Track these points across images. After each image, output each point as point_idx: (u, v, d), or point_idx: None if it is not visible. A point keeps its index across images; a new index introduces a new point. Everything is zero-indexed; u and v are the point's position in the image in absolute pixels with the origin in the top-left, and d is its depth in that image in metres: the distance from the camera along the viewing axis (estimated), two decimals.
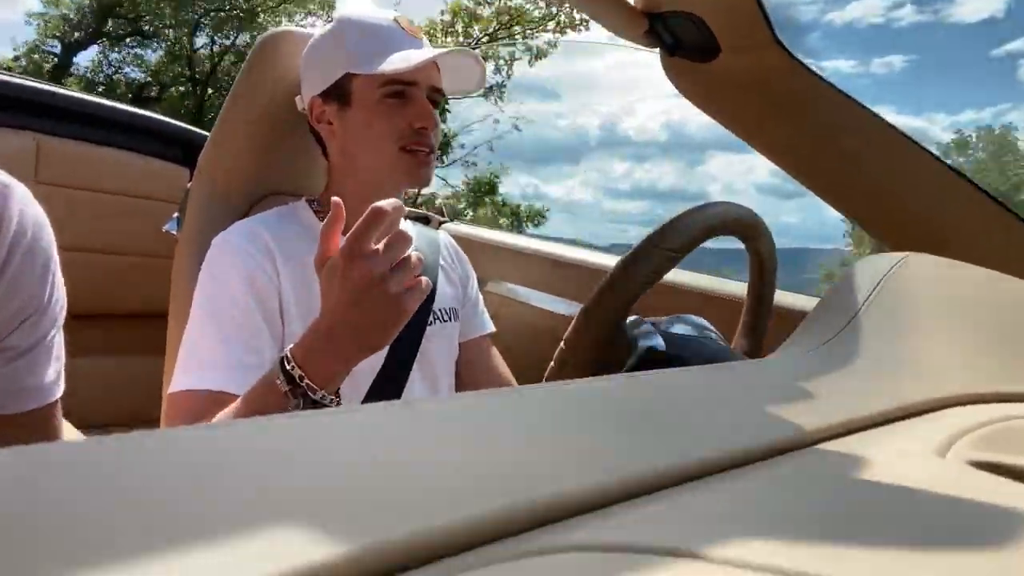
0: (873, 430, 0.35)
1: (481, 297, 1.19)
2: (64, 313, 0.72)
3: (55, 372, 0.71)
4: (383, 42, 0.91)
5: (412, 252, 0.69)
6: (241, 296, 0.87)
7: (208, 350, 0.85)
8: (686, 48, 0.98)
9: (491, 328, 1.17)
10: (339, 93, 0.94)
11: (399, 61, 0.88)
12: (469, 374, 1.13)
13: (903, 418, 0.37)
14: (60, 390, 0.72)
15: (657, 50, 1.03)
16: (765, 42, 0.91)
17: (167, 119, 2.01)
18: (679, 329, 0.84)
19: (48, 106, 1.75)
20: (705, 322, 0.90)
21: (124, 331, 1.86)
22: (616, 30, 0.99)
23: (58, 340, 0.71)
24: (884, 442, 0.33)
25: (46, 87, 1.80)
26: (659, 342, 0.79)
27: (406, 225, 1.11)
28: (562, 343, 0.77)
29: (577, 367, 0.76)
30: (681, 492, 0.24)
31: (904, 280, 0.55)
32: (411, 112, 0.92)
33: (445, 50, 0.90)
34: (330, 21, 0.99)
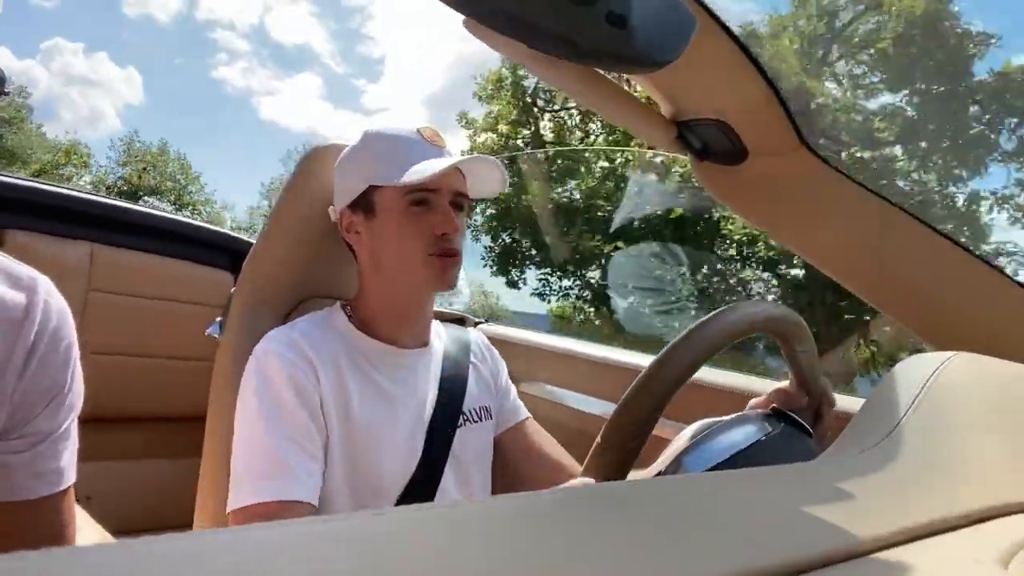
0: (930, 539, 0.33)
1: (513, 386, 1.19)
2: (80, 401, 0.74)
3: (71, 457, 0.73)
4: (405, 153, 0.95)
5: None
6: (293, 403, 0.88)
7: (273, 460, 0.85)
8: (715, 153, 1.00)
9: (526, 414, 1.16)
10: (365, 204, 0.97)
11: (419, 172, 0.92)
12: (517, 463, 1.10)
13: (959, 527, 0.35)
14: (74, 476, 0.73)
15: (687, 156, 1.06)
16: (792, 146, 0.92)
17: (215, 228, 2.10)
18: (710, 451, 0.80)
19: (103, 217, 1.85)
20: (764, 426, 0.86)
21: (163, 434, 1.87)
22: (647, 137, 1.02)
23: (74, 428, 0.74)
24: (943, 551, 0.31)
25: (101, 199, 1.90)
26: None
27: (438, 327, 1.13)
28: None
29: None
30: None
31: (950, 380, 0.54)
32: (434, 219, 0.95)
33: (462, 158, 0.94)
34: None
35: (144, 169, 24.71)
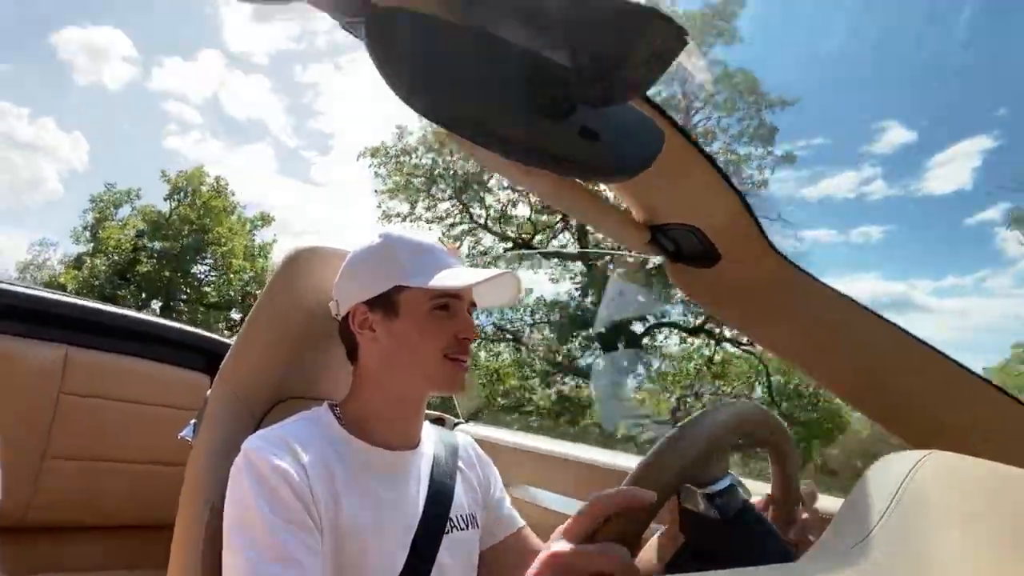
0: None
1: (507, 496, 1.18)
2: None
3: None
4: (432, 259, 0.99)
5: None
6: (291, 499, 0.86)
7: (282, 557, 0.82)
8: (688, 256, 1.03)
9: (522, 522, 1.15)
10: (387, 303, 0.99)
11: (451, 278, 0.95)
12: (515, 571, 1.06)
13: None
14: None
15: (660, 258, 1.09)
16: (762, 252, 0.96)
17: (190, 329, 2.09)
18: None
19: (78, 319, 1.83)
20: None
21: (128, 543, 1.79)
22: (620, 240, 1.05)
23: None
24: None
25: (78, 301, 1.90)
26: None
27: (428, 428, 1.12)
28: None
29: None
30: None
31: (927, 479, 0.54)
32: (456, 324, 0.99)
33: (497, 272, 0.98)
34: None
35: None
